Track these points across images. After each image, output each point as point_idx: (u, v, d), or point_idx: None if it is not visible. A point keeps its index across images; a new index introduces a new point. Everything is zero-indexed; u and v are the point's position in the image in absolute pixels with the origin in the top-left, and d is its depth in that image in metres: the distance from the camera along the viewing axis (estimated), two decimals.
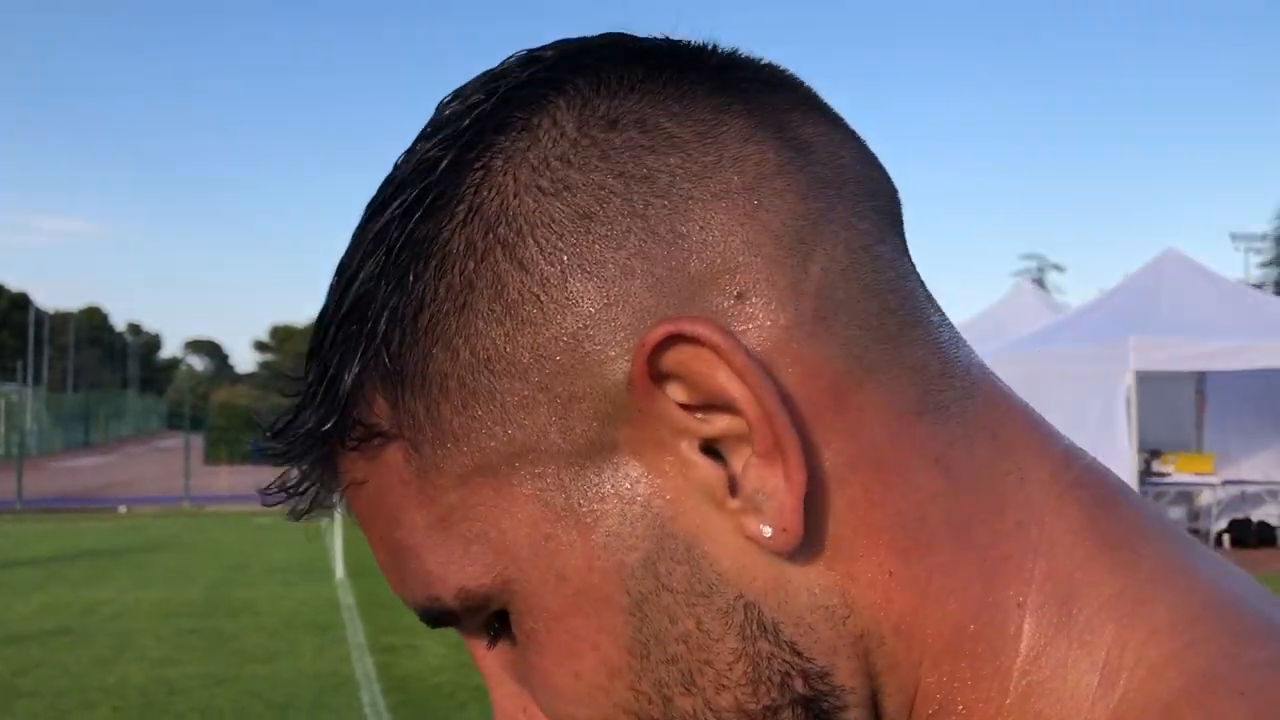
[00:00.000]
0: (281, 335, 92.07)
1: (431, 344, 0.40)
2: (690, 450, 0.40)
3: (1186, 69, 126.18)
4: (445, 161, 0.41)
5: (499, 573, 0.41)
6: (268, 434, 0.45)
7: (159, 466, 28.56)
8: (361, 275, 0.42)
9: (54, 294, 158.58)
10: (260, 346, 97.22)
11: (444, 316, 0.40)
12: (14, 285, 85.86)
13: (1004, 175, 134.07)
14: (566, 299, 0.39)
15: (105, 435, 54.43)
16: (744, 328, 0.40)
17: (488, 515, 0.41)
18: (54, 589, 10.99)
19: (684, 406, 0.39)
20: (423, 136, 0.43)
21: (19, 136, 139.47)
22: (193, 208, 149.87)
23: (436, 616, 0.44)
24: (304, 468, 0.45)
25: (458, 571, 0.42)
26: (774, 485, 0.39)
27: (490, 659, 0.45)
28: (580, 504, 0.40)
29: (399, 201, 0.41)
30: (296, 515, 0.47)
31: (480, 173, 0.41)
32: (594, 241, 0.40)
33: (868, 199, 0.44)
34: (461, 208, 0.40)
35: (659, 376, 0.39)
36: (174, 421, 68.43)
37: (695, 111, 0.42)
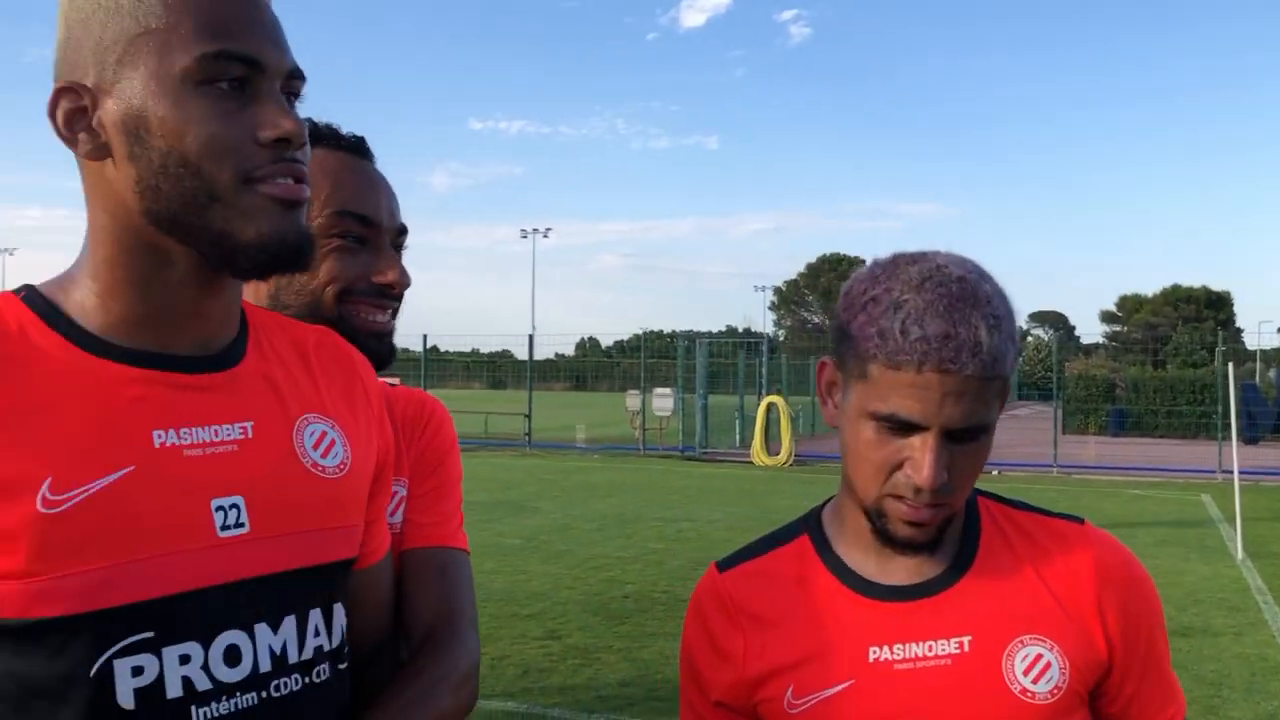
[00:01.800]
0: (1131, 306, 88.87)
1: None
2: None
3: None
4: None
5: None
6: None
7: (1018, 434, 29.34)
8: None
9: None
10: (1107, 317, 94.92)
11: None
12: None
13: None
14: None
15: None
16: None
17: None
18: None
19: None
20: None
21: (895, 137, 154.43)
22: (1037, 190, 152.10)
23: None
24: None
25: None
26: None
27: None
28: None
29: None
30: None
31: None
32: None
33: None
34: None
35: None
36: (1023, 391, 70.24)
37: None
